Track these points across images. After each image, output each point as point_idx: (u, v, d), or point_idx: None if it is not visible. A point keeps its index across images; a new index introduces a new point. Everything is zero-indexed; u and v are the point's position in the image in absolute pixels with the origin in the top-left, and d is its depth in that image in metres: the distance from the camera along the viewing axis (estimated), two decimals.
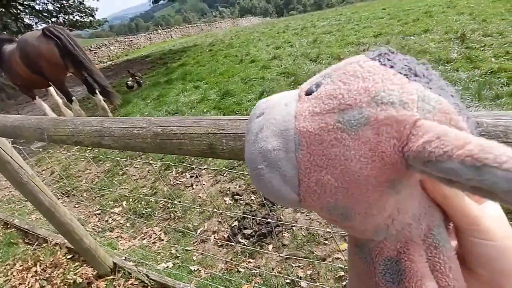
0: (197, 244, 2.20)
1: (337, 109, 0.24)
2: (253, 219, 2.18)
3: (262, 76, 5.74)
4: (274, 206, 2.32)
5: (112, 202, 2.98)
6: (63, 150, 3.99)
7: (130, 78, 7.71)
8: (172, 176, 3.13)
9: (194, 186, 2.87)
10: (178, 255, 2.13)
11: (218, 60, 8.65)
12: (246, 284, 1.76)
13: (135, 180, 3.29)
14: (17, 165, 1.44)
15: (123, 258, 2.05)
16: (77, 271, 2.04)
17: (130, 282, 1.84)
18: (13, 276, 2.12)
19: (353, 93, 0.23)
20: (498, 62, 3.93)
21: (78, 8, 18.84)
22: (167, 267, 2.02)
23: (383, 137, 0.22)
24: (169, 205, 2.66)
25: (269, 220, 1.41)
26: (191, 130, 0.66)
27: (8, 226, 2.80)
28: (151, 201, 2.77)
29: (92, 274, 1.98)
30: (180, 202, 2.67)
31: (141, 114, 5.34)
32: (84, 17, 19.39)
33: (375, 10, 13.12)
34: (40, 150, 1.92)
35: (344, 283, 1.65)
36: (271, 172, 0.26)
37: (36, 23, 18.37)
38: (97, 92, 5.22)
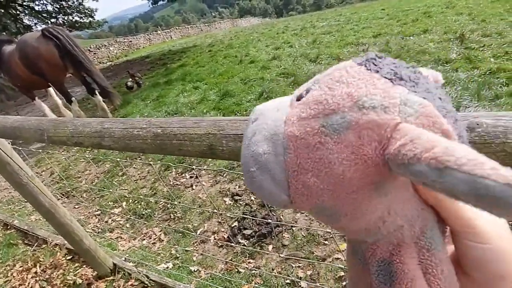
0: (197, 245, 2.21)
1: (321, 114, 0.25)
2: (253, 219, 2.18)
3: (261, 77, 5.75)
4: (274, 207, 2.32)
5: (112, 202, 2.98)
6: (62, 151, 3.99)
7: (130, 79, 7.71)
8: (172, 176, 3.13)
9: (194, 187, 2.87)
10: (178, 255, 2.13)
11: (217, 60, 8.65)
12: (246, 284, 1.76)
13: (134, 180, 3.29)
14: (17, 166, 1.44)
15: (123, 258, 2.05)
16: (77, 272, 2.04)
17: (130, 283, 1.84)
18: (13, 277, 2.12)
19: (337, 98, 0.24)
20: (497, 62, 3.94)
21: (78, 9, 18.84)
22: (167, 267, 2.02)
23: (365, 141, 0.22)
24: (169, 205, 2.67)
25: (269, 220, 1.42)
26: (191, 131, 0.66)
27: (8, 227, 2.80)
28: (151, 201, 2.77)
29: (92, 275, 1.98)
30: (180, 202, 2.67)
31: (140, 115, 5.34)
32: (83, 17, 19.39)
33: (374, 10, 13.15)
34: (40, 151, 1.91)
35: (344, 283, 1.65)
36: (262, 174, 0.28)
37: (35, 24, 18.37)
38: (97, 92, 5.22)
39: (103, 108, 5.38)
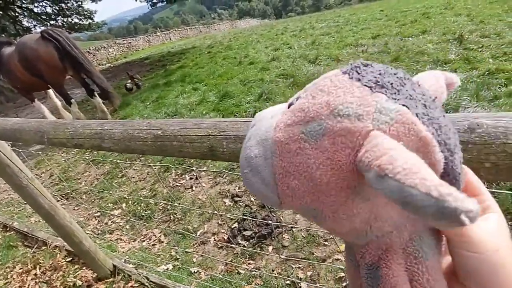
0: (197, 246, 2.20)
1: (302, 121, 0.26)
2: (253, 220, 2.18)
3: (261, 78, 5.75)
4: (274, 208, 2.32)
5: (112, 204, 2.97)
6: (62, 153, 3.99)
7: (129, 81, 7.71)
8: (172, 178, 3.13)
9: (193, 188, 2.87)
10: (178, 257, 2.13)
11: (217, 62, 8.66)
12: (246, 285, 1.76)
13: (134, 182, 3.28)
14: (16, 168, 1.44)
15: (123, 260, 2.04)
16: (77, 274, 2.03)
17: (130, 284, 1.84)
18: (13, 279, 2.11)
19: (316, 107, 0.25)
20: (496, 63, 3.95)
21: (77, 11, 18.88)
22: (167, 269, 2.01)
23: (339, 147, 0.23)
24: (168, 207, 2.66)
25: (269, 221, 1.42)
26: (192, 133, 0.66)
27: (7, 229, 2.79)
28: (150, 203, 2.76)
29: (92, 276, 1.98)
30: (179, 204, 2.66)
31: (140, 116, 5.34)
32: (82, 19, 19.42)
33: (373, 11, 13.19)
34: (39, 152, 1.91)
35: (344, 284, 1.65)
36: (254, 176, 0.30)
37: (34, 25, 18.38)
38: (96, 94, 5.22)
39: (102, 110, 5.38)
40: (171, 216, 2.56)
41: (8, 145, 1.43)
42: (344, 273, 1.69)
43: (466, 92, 3.32)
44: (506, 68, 3.64)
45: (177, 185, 2.98)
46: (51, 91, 5.65)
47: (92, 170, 3.80)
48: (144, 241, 2.38)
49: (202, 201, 2.67)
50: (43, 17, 18.02)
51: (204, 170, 3.03)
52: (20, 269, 2.19)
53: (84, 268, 2.07)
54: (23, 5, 17.00)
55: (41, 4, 17.63)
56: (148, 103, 6.12)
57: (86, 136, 0.88)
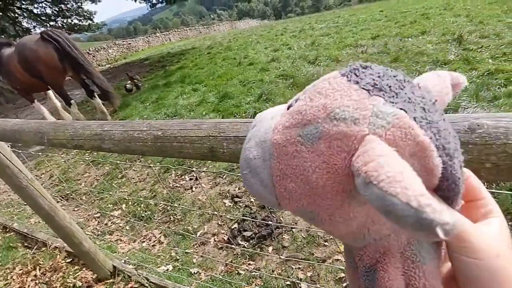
0: (197, 247, 2.20)
1: (300, 124, 0.26)
2: (253, 221, 2.18)
3: (260, 79, 5.76)
4: (273, 208, 2.32)
5: (112, 205, 2.97)
6: (62, 154, 3.99)
7: (129, 81, 7.71)
8: (172, 178, 3.13)
9: (193, 189, 2.87)
10: (178, 257, 2.13)
11: (216, 62, 8.66)
12: (247, 286, 1.76)
13: (134, 183, 3.28)
14: (16, 169, 1.44)
15: (123, 261, 2.04)
16: (77, 274, 2.03)
17: (130, 285, 1.83)
18: (13, 280, 2.11)
19: (313, 109, 0.25)
20: (495, 63, 3.96)
21: (77, 12, 18.90)
22: (167, 270, 2.01)
23: (335, 151, 0.23)
24: (168, 207, 2.66)
25: (269, 222, 1.42)
26: (192, 134, 0.66)
27: (7, 230, 2.79)
28: (150, 204, 2.76)
29: (91, 277, 1.97)
30: (179, 204, 2.66)
31: (140, 117, 5.34)
32: (82, 20, 19.44)
33: (373, 12, 13.21)
34: (39, 153, 1.91)
35: (344, 284, 1.65)
36: (252, 177, 0.30)
37: (34, 27, 18.39)
38: (96, 95, 5.22)
39: (102, 111, 5.38)
40: (171, 217, 2.56)
41: (8, 146, 1.43)
42: (344, 274, 1.69)
43: (466, 93, 3.32)
44: (506, 69, 3.65)
45: (177, 186, 2.98)
46: (50, 92, 5.66)
47: (92, 171, 3.80)
48: (144, 242, 2.38)
49: (202, 202, 2.67)
50: (43, 18, 18.03)
51: (204, 171, 3.03)
52: (20, 270, 2.18)
53: (84, 269, 2.07)
54: (23, 6, 17.01)
55: (40, 5, 17.65)
56: (148, 104, 6.12)
57: (86, 137, 0.88)
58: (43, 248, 2.35)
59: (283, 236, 2.06)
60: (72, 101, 5.14)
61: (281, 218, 2.24)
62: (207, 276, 1.91)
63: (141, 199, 2.87)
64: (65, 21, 18.72)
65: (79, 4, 18.69)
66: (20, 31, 16.88)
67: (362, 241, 0.27)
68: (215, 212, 2.39)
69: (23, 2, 16.73)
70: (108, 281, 1.90)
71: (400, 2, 15.40)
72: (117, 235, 2.53)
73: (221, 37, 18.37)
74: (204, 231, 2.31)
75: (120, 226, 2.66)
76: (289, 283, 1.72)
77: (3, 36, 13.37)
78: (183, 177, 3.11)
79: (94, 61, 20.57)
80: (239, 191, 2.64)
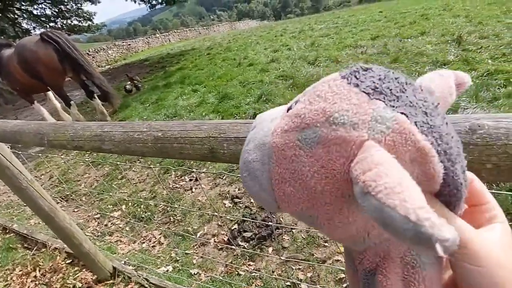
0: (197, 248, 2.20)
1: (298, 127, 0.26)
2: (252, 222, 2.18)
3: (260, 79, 5.76)
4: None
5: (111, 206, 2.97)
6: (61, 155, 3.98)
7: (129, 82, 7.71)
8: (172, 179, 3.13)
9: (193, 190, 2.87)
10: (178, 258, 2.13)
11: (216, 63, 8.66)
12: (247, 287, 1.76)
13: (134, 184, 3.28)
14: (16, 170, 1.44)
15: (123, 262, 2.04)
16: (77, 275, 2.03)
17: (130, 286, 1.83)
18: (13, 281, 2.10)
19: (312, 113, 0.25)
20: (495, 63, 3.97)
21: (76, 13, 18.89)
22: (167, 270, 2.01)
23: (333, 156, 0.23)
24: (168, 208, 2.66)
25: (269, 223, 1.42)
26: (192, 134, 0.66)
27: (7, 231, 2.79)
28: (150, 204, 2.76)
29: (91, 278, 1.97)
30: (179, 205, 2.66)
31: (139, 118, 5.34)
32: (82, 21, 19.43)
33: (372, 13, 13.23)
34: (39, 154, 1.91)
35: (344, 285, 1.65)
36: (251, 180, 0.30)
37: (34, 28, 18.39)
38: (95, 96, 5.22)
39: (102, 112, 5.37)
40: (171, 217, 2.56)
41: (8, 147, 1.43)
42: (344, 274, 1.69)
43: (465, 93, 3.32)
44: (505, 69, 3.65)
45: (177, 187, 2.98)
46: (50, 93, 5.65)
47: (91, 172, 3.79)
48: (144, 242, 2.37)
49: (202, 203, 2.66)
50: (43, 19, 18.03)
51: (204, 172, 3.03)
52: (20, 271, 2.18)
53: (84, 270, 2.06)
54: (23, 7, 17.00)
55: (40, 6, 17.64)
56: (148, 104, 6.12)
57: (86, 138, 0.88)
58: (43, 249, 2.35)
59: (283, 237, 2.06)
60: (72, 102, 5.14)
61: (281, 219, 2.23)
62: (207, 277, 1.91)
63: (141, 200, 2.86)
64: (64, 22, 18.71)
65: (79, 5, 18.69)
66: (19, 32, 16.88)
67: (362, 245, 0.27)
68: (215, 213, 2.39)
69: (23, 3, 16.72)
70: (108, 282, 1.90)
71: (400, 3, 15.44)
72: (117, 236, 2.53)
73: (221, 38, 18.39)
74: (204, 232, 2.30)
75: (120, 227, 2.66)
76: (289, 284, 1.71)
77: (2, 37, 13.38)
78: (183, 178, 3.11)
79: (94, 62, 20.56)
80: (239, 192, 2.64)
